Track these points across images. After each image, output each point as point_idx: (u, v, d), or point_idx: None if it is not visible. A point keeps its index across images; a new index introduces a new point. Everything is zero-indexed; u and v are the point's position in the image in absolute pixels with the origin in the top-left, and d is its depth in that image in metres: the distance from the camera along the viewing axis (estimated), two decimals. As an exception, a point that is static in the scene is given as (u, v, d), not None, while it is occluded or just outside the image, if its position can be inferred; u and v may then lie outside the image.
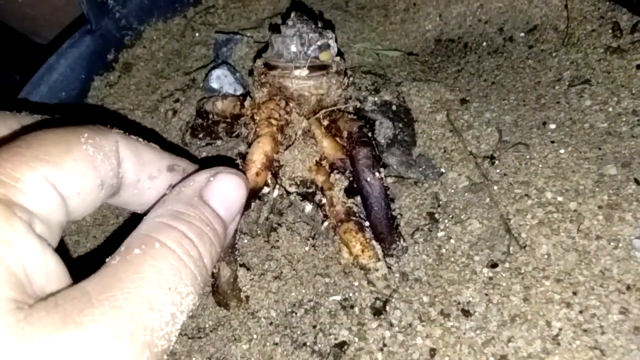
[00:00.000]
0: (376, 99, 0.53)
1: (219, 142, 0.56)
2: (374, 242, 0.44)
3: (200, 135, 0.56)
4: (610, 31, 0.54)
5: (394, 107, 0.53)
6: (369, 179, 0.44)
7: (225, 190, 0.36)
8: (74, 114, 0.62)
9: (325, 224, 0.46)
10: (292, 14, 0.50)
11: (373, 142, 0.46)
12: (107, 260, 0.29)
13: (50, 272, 0.28)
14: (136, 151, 0.36)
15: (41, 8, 0.63)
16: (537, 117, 0.49)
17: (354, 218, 0.44)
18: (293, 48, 0.48)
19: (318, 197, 0.46)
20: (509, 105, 0.52)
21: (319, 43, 0.48)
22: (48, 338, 0.24)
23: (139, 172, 0.36)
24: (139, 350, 0.26)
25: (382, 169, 0.45)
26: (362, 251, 0.43)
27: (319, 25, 0.49)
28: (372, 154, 0.45)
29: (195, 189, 0.35)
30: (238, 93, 0.58)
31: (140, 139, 0.37)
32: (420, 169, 0.50)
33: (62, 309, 0.25)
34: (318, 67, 0.48)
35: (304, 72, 0.47)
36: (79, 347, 0.24)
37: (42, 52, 0.68)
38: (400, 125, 0.52)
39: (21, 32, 0.82)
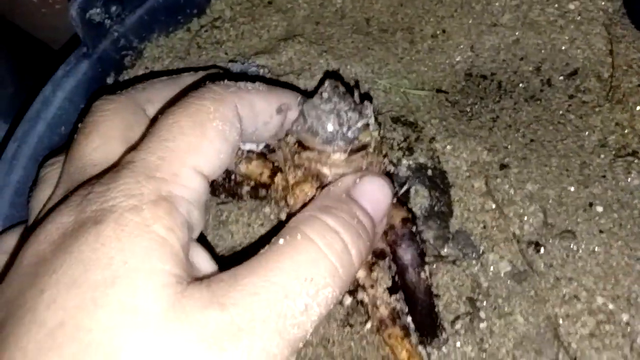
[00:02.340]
0: (410, 162, 0.51)
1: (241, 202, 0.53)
2: (420, 348, 0.43)
3: (222, 196, 0.52)
4: (658, 89, 0.51)
5: (429, 172, 0.50)
6: (413, 280, 0.43)
7: (372, 190, 0.39)
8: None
9: (368, 325, 0.45)
10: (326, 84, 0.45)
11: (417, 236, 0.44)
12: (261, 250, 0.32)
13: (201, 259, 0.34)
14: (251, 105, 0.40)
15: (65, 18, 0.58)
16: (583, 195, 0.47)
17: (399, 322, 0.43)
18: (330, 128, 0.44)
19: (360, 295, 0.44)
20: (551, 173, 0.49)
21: (359, 124, 0.44)
22: (196, 312, 0.28)
23: (255, 122, 0.41)
24: (269, 335, 0.29)
25: (427, 267, 0.43)
26: (409, 359, 0.43)
27: (357, 97, 0.45)
28: (417, 253, 0.43)
29: (344, 189, 0.39)
30: (260, 147, 0.54)
31: (249, 86, 0.41)
32: (459, 247, 0.48)
33: (211, 289, 0.30)
34: (357, 150, 0.44)
35: (343, 156, 0.44)
36: (216, 326, 0.28)
37: (55, 57, 0.63)
38: (437, 194, 0.50)
39: (44, 42, 0.80)
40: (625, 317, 0.41)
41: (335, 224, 0.34)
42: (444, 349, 0.45)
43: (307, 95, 0.46)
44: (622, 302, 0.42)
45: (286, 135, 0.46)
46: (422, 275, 0.43)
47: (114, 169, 0.34)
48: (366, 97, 0.55)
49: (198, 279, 0.31)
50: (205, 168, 0.35)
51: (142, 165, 0.33)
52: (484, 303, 0.46)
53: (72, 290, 0.28)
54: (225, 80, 0.41)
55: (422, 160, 0.51)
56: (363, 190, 0.39)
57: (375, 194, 0.39)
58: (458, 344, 0.45)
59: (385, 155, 0.46)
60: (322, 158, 0.44)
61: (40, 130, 0.57)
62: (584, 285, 0.43)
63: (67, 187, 0.36)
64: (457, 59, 0.59)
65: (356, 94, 0.46)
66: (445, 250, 0.48)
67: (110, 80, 0.62)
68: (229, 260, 0.36)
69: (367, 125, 0.44)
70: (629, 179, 0.47)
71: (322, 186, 0.44)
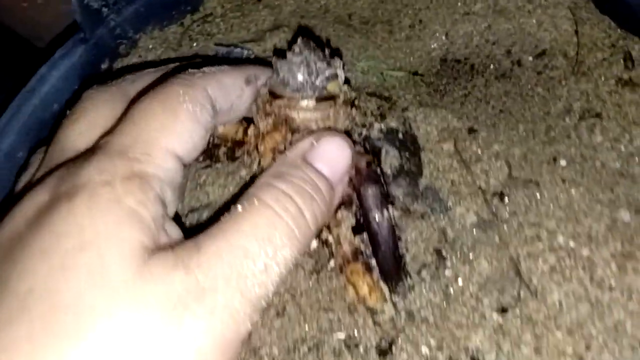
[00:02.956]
0: (382, 125, 0.52)
1: (219, 165, 0.55)
2: (381, 283, 0.43)
3: (200, 158, 0.54)
4: (621, 61, 0.53)
5: (400, 135, 0.52)
6: (377, 219, 0.43)
7: (328, 151, 0.40)
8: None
9: (332, 263, 0.45)
10: (299, 40, 0.48)
11: (382, 178, 0.45)
12: (220, 217, 0.34)
13: (170, 233, 0.35)
14: (221, 85, 0.41)
15: (46, 13, 0.61)
16: (547, 152, 0.48)
17: (361, 258, 0.43)
18: (299, 77, 0.46)
19: (324, 234, 0.45)
20: (518, 136, 0.51)
21: (327, 73, 0.46)
22: (161, 275, 0.30)
23: (229, 99, 0.43)
24: (231, 293, 0.31)
25: (390, 207, 0.44)
26: (370, 293, 0.43)
27: (327, 53, 0.48)
28: (380, 191, 0.44)
29: (300, 153, 0.40)
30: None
31: (213, 68, 0.42)
32: (427, 202, 0.49)
33: (175, 254, 0.31)
34: (325, 98, 0.46)
35: (311, 103, 0.46)
36: (181, 287, 0.30)
37: (38, 55, 0.65)
38: (407, 154, 0.51)
39: (24, 37, 0.80)
40: (585, 252, 0.41)
41: (288, 189, 0.35)
42: (409, 296, 0.44)
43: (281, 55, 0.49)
44: (583, 239, 0.42)
45: (260, 88, 0.48)
46: (386, 213, 0.43)
47: (90, 151, 0.36)
48: (337, 54, 0.57)
49: (165, 247, 0.33)
50: (178, 149, 0.36)
51: (116, 146, 0.35)
52: (450, 252, 0.46)
53: (42, 259, 0.29)
54: (190, 69, 0.42)
55: (393, 125, 0.52)
56: (319, 152, 0.40)
57: (332, 155, 0.40)
58: (423, 291, 0.44)
59: (353, 107, 0.48)
60: (291, 104, 0.46)
61: (34, 104, 0.60)
62: (546, 227, 0.43)
63: (47, 169, 0.38)
64: (433, 46, 0.62)
65: (327, 51, 0.48)
66: (414, 206, 0.49)
67: (104, 65, 0.66)
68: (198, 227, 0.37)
69: (336, 76, 0.47)
70: (593, 137, 0.48)
71: (292, 131, 0.46)
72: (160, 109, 0.36)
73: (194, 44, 0.67)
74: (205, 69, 0.42)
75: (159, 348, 0.29)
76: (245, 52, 0.61)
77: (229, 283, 0.31)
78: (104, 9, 0.64)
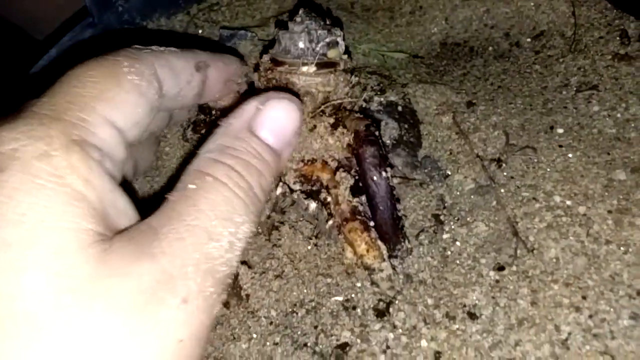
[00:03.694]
0: (382, 99, 0.53)
1: (221, 139, 0.55)
2: (379, 242, 0.43)
3: (203, 132, 0.55)
4: (617, 38, 0.54)
5: (399, 108, 0.53)
6: (375, 178, 0.44)
7: (274, 118, 0.36)
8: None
9: (330, 222, 0.46)
10: (301, 10, 0.49)
11: (380, 141, 0.45)
12: (166, 196, 0.31)
13: (121, 208, 0.31)
14: (170, 65, 0.37)
15: (44, 4, 0.62)
16: (545, 122, 0.49)
17: (359, 217, 0.43)
18: (301, 44, 0.47)
19: (323, 195, 0.46)
20: (516, 109, 0.51)
21: (327, 40, 0.47)
22: (126, 267, 0.26)
23: (178, 82, 0.38)
24: (203, 277, 0.28)
25: (388, 169, 0.44)
26: (367, 251, 0.43)
27: (328, 22, 0.49)
28: (379, 153, 0.44)
29: (244, 121, 0.36)
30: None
31: (162, 48, 0.38)
32: (426, 171, 0.49)
33: (135, 242, 0.28)
34: (326, 65, 0.47)
35: (312, 68, 0.46)
36: (150, 277, 0.27)
37: (38, 47, 0.67)
38: (406, 126, 0.51)
39: (21, 28, 0.80)
40: (582, 210, 0.41)
41: (237, 165, 0.33)
42: (407, 259, 0.45)
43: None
44: (579, 197, 0.42)
45: (261, 56, 0.50)
46: (384, 174, 0.44)
47: (13, 113, 0.30)
48: (338, 24, 0.59)
49: (119, 232, 0.29)
50: (119, 120, 0.32)
51: (47, 107, 0.29)
52: (448, 217, 0.46)
53: None
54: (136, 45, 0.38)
55: (393, 98, 0.53)
56: (265, 119, 0.36)
57: (279, 121, 0.37)
58: (421, 254, 0.45)
59: (353, 75, 0.49)
60: (292, 70, 0.47)
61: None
62: (543, 189, 0.44)
63: None
64: (433, 31, 0.64)
65: (328, 20, 0.49)
66: (413, 175, 0.49)
67: (112, 50, 0.67)
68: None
69: (336, 43, 0.48)
70: (589, 107, 0.49)
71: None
72: (99, 75, 0.31)
73: (199, 31, 0.69)
74: (153, 47, 0.38)
75: (138, 347, 0.26)
76: (249, 34, 0.63)
77: (198, 267, 0.28)
78: (113, -5, 0.66)
